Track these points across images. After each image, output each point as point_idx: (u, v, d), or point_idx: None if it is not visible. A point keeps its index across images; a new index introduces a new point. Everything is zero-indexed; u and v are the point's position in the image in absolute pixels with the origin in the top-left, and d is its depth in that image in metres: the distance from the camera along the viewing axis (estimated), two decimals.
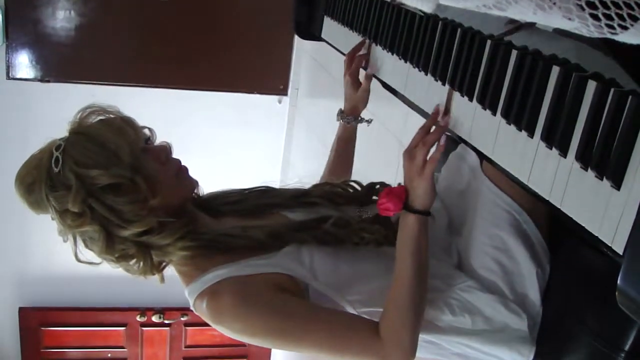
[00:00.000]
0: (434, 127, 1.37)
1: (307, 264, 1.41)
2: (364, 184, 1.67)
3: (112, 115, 1.40)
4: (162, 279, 1.46)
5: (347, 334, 1.36)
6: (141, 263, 1.40)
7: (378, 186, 1.62)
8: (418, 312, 1.36)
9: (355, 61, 1.79)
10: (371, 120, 1.85)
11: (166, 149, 1.45)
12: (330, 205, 1.58)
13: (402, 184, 1.39)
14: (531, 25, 1.14)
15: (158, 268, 1.44)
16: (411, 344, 1.35)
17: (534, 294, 1.42)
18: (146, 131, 1.44)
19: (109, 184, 1.32)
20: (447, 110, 1.36)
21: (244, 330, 1.36)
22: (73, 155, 1.32)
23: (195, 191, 1.53)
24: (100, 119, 1.39)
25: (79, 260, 1.40)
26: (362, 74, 1.81)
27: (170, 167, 1.43)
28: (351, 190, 1.65)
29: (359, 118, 1.83)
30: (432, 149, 1.35)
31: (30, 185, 1.35)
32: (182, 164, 1.46)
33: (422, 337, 1.43)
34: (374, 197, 1.62)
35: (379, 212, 1.40)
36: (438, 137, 1.34)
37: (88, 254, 1.41)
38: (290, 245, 1.43)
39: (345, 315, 1.41)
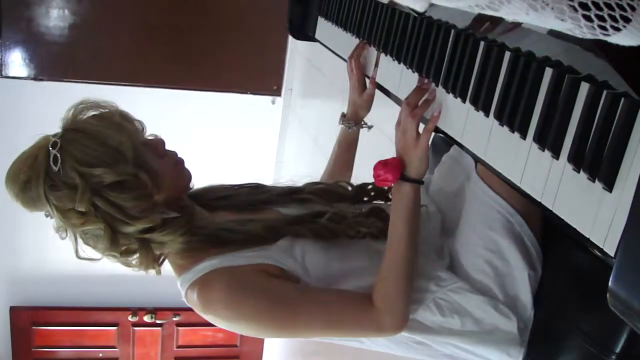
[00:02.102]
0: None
1: (300, 260, 1.41)
2: (354, 184, 1.68)
3: (107, 110, 1.37)
4: (159, 272, 1.45)
5: (340, 308, 1.37)
6: (143, 258, 1.38)
7: (370, 186, 1.63)
8: (411, 280, 1.38)
9: (358, 65, 1.77)
10: (372, 126, 1.85)
11: (162, 142, 1.44)
12: (322, 202, 1.59)
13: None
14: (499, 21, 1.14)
15: (158, 261, 1.43)
16: (405, 311, 1.37)
17: (525, 296, 1.43)
18: (137, 124, 1.42)
19: (113, 181, 1.30)
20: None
21: (234, 318, 1.36)
22: (73, 154, 1.29)
23: (190, 184, 1.52)
24: (96, 115, 1.36)
25: (79, 257, 1.39)
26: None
27: (168, 159, 1.43)
28: (342, 191, 1.66)
29: (361, 123, 1.83)
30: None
31: (26, 184, 1.31)
32: (178, 155, 1.46)
33: (412, 337, 1.44)
34: (365, 198, 1.64)
35: (375, 183, 1.42)
36: (425, 109, 1.37)
37: (86, 251, 1.39)
38: (284, 239, 1.43)
39: (335, 291, 1.41)
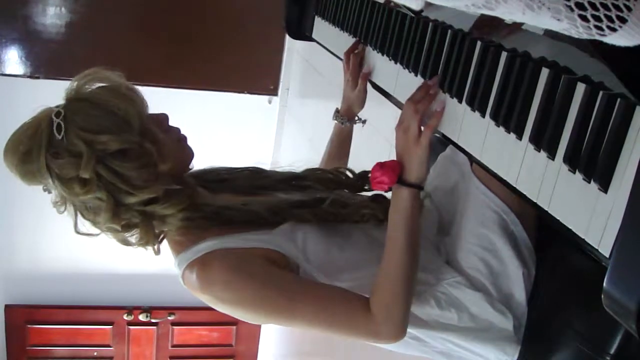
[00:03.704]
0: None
1: (300, 245, 1.40)
2: (356, 172, 1.66)
3: (114, 82, 1.35)
4: (159, 251, 1.42)
5: (337, 307, 1.34)
6: (143, 233, 1.36)
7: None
8: (409, 288, 1.35)
9: (352, 60, 1.77)
10: (365, 121, 1.85)
11: (167, 117, 1.43)
12: (323, 189, 1.56)
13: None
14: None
15: (157, 239, 1.41)
16: (402, 319, 1.34)
17: (519, 295, 1.43)
18: (143, 98, 1.39)
19: (118, 149, 1.28)
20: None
21: (232, 301, 1.34)
22: (78, 122, 1.28)
23: (191, 164, 1.50)
24: (102, 86, 1.34)
25: (78, 232, 1.37)
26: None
27: (172, 134, 1.42)
28: (344, 177, 1.63)
29: (354, 119, 1.83)
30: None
31: (26, 154, 1.29)
32: (181, 132, 1.45)
33: (408, 331, 1.43)
34: (366, 187, 1.62)
35: (371, 187, 1.40)
36: (428, 104, 1.35)
37: (86, 225, 1.36)
38: (286, 223, 1.42)
39: (335, 289, 1.38)
